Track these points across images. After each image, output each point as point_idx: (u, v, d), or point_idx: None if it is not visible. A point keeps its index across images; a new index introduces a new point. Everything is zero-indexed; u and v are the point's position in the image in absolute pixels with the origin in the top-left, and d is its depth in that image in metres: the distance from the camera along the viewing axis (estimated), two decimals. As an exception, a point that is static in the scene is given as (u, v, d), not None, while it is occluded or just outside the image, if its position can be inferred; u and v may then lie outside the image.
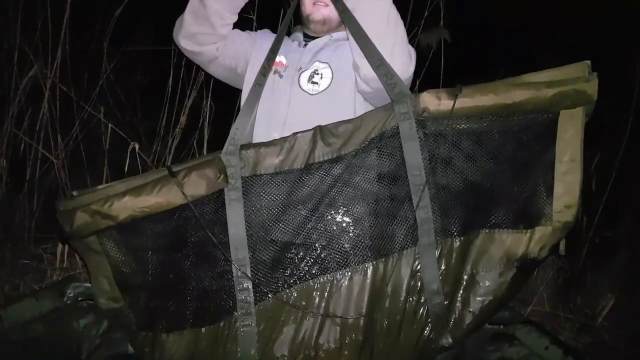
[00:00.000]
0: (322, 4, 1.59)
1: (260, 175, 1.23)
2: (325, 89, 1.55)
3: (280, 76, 1.61)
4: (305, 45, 1.64)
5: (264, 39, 1.69)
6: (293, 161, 1.23)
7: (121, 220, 1.15)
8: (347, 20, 1.34)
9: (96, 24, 2.47)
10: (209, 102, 2.33)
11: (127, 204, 1.14)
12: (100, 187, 1.23)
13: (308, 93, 1.56)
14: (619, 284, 2.44)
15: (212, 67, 1.70)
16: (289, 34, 1.78)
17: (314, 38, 1.66)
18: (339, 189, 1.23)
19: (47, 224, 2.34)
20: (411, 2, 2.32)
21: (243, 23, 2.20)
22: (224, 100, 2.20)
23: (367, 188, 1.23)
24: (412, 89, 2.35)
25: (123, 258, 1.22)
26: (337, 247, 1.24)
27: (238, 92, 2.28)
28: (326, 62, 1.58)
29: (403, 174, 1.21)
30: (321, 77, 1.56)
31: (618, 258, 2.60)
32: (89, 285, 1.39)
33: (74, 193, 1.22)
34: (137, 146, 2.00)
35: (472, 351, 1.36)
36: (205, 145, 2.34)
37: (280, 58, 1.62)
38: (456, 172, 1.23)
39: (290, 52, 1.64)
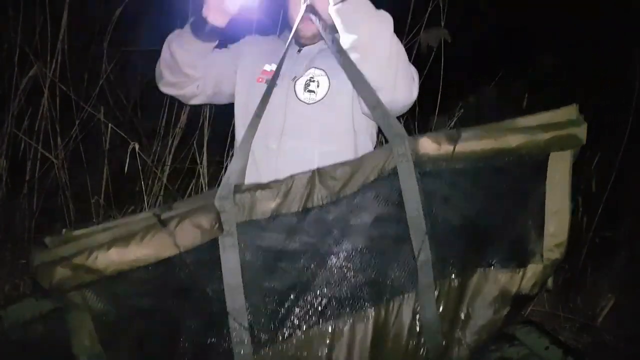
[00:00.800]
0: (309, 20, 1.49)
1: (256, 220, 1.17)
2: (323, 97, 1.51)
3: (275, 85, 1.55)
4: (299, 51, 1.58)
5: (251, 44, 1.65)
6: (290, 205, 1.18)
7: (107, 274, 1.07)
8: (343, 62, 1.31)
9: (96, 24, 2.47)
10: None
11: (114, 257, 1.07)
12: (78, 232, 1.12)
13: (305, 102, 1.51)
14: (619, 284, 2.44)
15: (193, 101, 1.69)
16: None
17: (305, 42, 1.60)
18: (338, 232, 1.20)
19: (47, 224, 2.35)
20: (411, 2, 2.33)
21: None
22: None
23: (367, 231, 1.20)
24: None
25: (107, 313, 1.13)
26: (338, 293, 1.20)
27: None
28: (322, 70, 1.53)
29: (402, 216, 1.19)
30: (317, 85, 1.52)
31: (618, 258, 2.60)
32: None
33: (47, 241, 1.11)
34: (137, 146, 1.99)
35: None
36: (205, 145, 2.34)
37: (272, 67, 1.57)
38: (453, 212, 1.23)
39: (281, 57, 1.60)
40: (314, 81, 1.52)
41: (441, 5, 2.29)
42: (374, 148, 1.64)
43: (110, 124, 2.23)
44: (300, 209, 1.18)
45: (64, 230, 1.13)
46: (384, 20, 1.34)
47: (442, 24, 2.33)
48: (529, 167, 1.23)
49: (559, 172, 1.24)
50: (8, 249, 2.24)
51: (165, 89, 1.63)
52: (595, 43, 3.23)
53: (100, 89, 2.37)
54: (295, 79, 1.53)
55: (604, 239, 2.65)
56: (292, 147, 1.52)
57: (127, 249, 1.07)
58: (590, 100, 3.07)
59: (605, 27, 3.16)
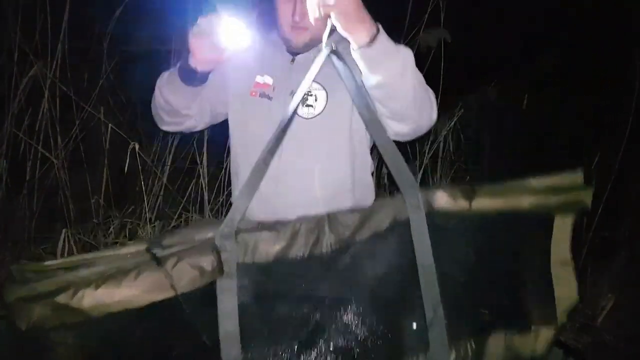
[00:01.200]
0: (300, 30, 1.42)
1: (259, 263, 1.09)
2: (321, 112, 1.47)
3: (269, 98, 1.50)
4: (293, 61, 1.50)
5: (237, 58, 1.53)
6: (296, 249, 1.11)
7: (93, 315, 0.95)
8: (358, 102, 1.24)
9: (96, 24, 2.47)
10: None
11: (102, 297, 0.95)
12: (54, 263, 1.01)
13: (303, 117, 1.46)
14: (619, 284, 2.44)
15: (194, 130, 1.68)
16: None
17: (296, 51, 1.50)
18: (344, 283, 1.13)
19: (47, 224, 2.35)
20: (410, 2, 2.33)
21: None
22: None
23: (376, 283, 1.13)
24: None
25: (90, 357, 1.02)
26: (342, 350, 1.11)
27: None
28: (319, 83, 1.47)
29: (414, 270, 1.14)
30: (315, 99, 1.47)
31: (618, 258, 2.60)
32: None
33: (13, 270, 0.99)
34: (137, 146, 1.99)
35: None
36: (205, 145, 2.34)
37: (264, 79, 1.51)
38: (464, 269, 1.21)
39: (275, 69, 1.51)
40: (311, 95, 1.47)
41: (441, 5, 2.30)
42: (371, 161, 1.63)
43: (110, 124, 2.23)
44: (306, 255, 1.11)
45: (21, 262, 1.02)
46: (406, 57, 1.30)
47: (442, 24, 2.34)
48: (537, 227, 1.24)
49: (562, 235, 1.25)
50: (8, 249, 2.24)
51: (166, 128, 1.63)
52: (596, 43, 3.23)
53: (100, 89, 2.37)
54: (292, 93, 1.43)
55: (604, 239, 2.65)
56: (291, 162, 1.48)
57: (119, 288, 0.97)
58: (590, 100, 3.08)
59: (605, 27, 3.16)
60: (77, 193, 2.36)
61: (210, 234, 1.10)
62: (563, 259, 1.24)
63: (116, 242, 2.32)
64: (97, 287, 0.95)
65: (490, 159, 3.05)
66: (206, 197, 2.37)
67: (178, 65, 1.48)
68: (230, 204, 2.46)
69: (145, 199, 2.23)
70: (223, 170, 2.40)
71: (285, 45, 1.48)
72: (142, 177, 2.15)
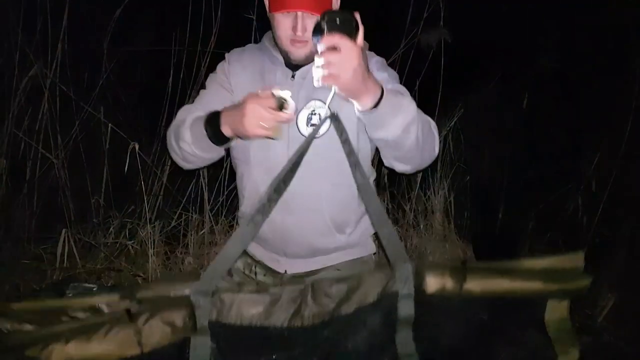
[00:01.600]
0: (300, 44, 1.37)
1: (233, 324, 1.03)
2: (327, 131, 1.42)
3: None
4: (293, 77, 1.46)
5: (238, 73, 1.50)
6: (275, 316, 1.05)
7: None
8: (357, 178, 1.14)
9: (96, 24, 2.47)
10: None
11: (72, 352, 0.91)
12: (23, 306, 0.99)
13: (306, 137, 1.44)
14: (619, 284, 2.44)
15: None
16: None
17: (294, 64, 1.44)
18: (324, 357, 1.07)
19: (47, 224, 2.35)
20: (411, 2, 2.33)
21: (243, 23, 2.21)
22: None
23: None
24: (411, 89, 2.37)
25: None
26: None
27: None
28: (323, 101, 1.43)
29: (396, 349, 1.09)
30: (319, 118, 1.44)
31: (618, 258, 2.60)
32: (88, 285, 1.38)
33: None
34: (137, 146, 1.99)
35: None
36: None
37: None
38: (450, 351, 1.15)
39: (276, 84, 1.45)
40: (315, 114, 1.44)
41: (441, 5, 2.30)
42: (373, 170, 1.65)
43: (110, 124, 2.23)
44: (285, 325, 1.05)
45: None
46: (409, 111, 1.29)
47: (442, 24, 2.34)
48: (529, 313, 1.18)
49: (555, 317, 1.18)
50: (8, 249, 2.24)
51: (188, 167, 1.59)
52: (596, 43, 3.23)
53: (100, 89, 2.37)
54: (297, 112, 1.42)
55: (604, 239, 2.65)
56: (299, 181, 1.44)
57: (89, 344, 0.94)
58: (590, 100, 3.08)
59: (605, 26, 3.16)
60: (77, 193, 2.36)
61: (186, 291, 1.05)
62: (561, 344, 1.17)
63: (116, 242, 2.32)
64: (68, 340, 0.92)
65: (490, 159, 3.05)
66: (206, 197, 2.37)
67: (206, 124, 1.39)
68: (231, 205, 2.47)
69: (145, 199, 2.23)
70: (223, 170, 2.40)
71: (284, 58, 1.44)
72: (142, 177, 2.15)
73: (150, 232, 2.21)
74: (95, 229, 2.36)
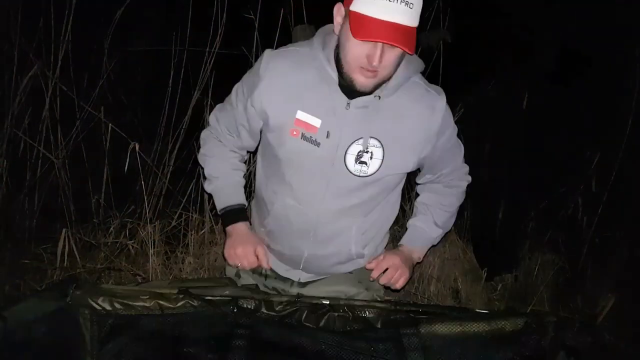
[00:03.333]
0: (371, 73, 1.21)
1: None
2: (375, 172, 1.34)
3: (317, 144, 1.31)
4: (348, 105, 1.29)
5: (273, 83, 1.32)
6: None
7: None
8: None
9: (97, 23, 2.47)
10: (209, 102, 2.34)
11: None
12: None
13: (354, 174, 1.33)
14: (619, 284, 2.44)
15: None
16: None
17: (354, 90, 1.26)
18: None
19: (47, 224, 2.34)
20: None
21: (243, 23, 2.21)
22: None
23: None
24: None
25: None
26: None
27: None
28: (378, 140, 1.32)
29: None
30: (371, 157, 1.32)
31: (618, 258, 2.60)
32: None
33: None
34: (137, 146, 1.99)
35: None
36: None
37: (311, 119, 1.30)
38: None
39: (327, 111, 1.30)
40: (367, 152, 1.32)
41: (441, 6, 2.30)
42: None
43: (110, 124, 2.23)
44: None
45: None
46: (439, 236, 1.61)
47: (442, 24, 2.34)
48: None
49: None
50: (8, 249, 2.23)
51: None
52: (596, 43, 3.23)
53: (101, 89, 2.36)
54: (347, 145, 1.31)
55: (604, 239, 2.65)
56: (332, 214, 1.41)
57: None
58: (590, 100, 3.08)
59: (606, 26, 3.16)
60: (77, 193, 2.35)
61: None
62: None
63: (116, 242, 2.32)
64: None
65: (490, 159, 3.05)
66: (206, 197, 2.37)
67: (217, 202, 1.57)
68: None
69: (145, 198, 2.23)
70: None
71: (346, 83, 1.26)
72: (142, 177, 2.15)
73: (150, 232, 2.21)
74: (96, 228, 2.36)
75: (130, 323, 1.19)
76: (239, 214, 1.53)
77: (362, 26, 1.14)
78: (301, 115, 1.31)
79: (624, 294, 2.35)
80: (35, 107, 2.27)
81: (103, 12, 2.41)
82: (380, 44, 1.15)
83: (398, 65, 1.24)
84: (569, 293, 2.47)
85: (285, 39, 2.14)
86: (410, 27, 1.14)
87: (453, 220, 1.63)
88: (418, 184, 1.64)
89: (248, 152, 1.59)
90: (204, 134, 1.60)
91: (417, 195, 1.65)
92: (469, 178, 1.61)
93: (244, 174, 1.59)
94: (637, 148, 2.58)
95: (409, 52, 1.17)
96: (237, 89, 1.45)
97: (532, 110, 2.86)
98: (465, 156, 1.62)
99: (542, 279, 2.47)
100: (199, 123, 2.36)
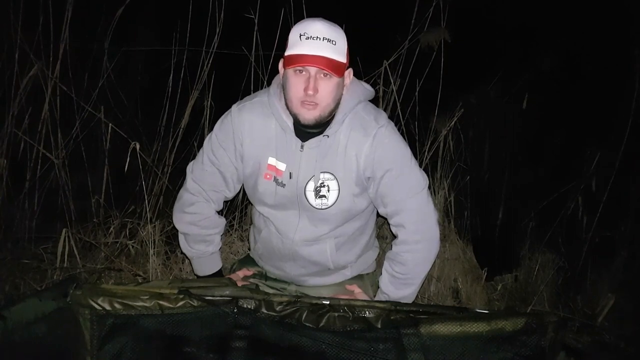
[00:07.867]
0: (310, 106, 1.37)
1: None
2: (334, 202, 1.50)
3: (282, 185, 1.51)
4: (302, 147, 1.47)
5: (255, 134, 1.52)
6: None
7: None
8: None
9: (97, 23, 2.47)
10: (209, 102, 2.34)
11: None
12: None
13: (317, 208, 1.51)
14: (619, 284, 2.44)
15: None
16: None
17: (305, 128, 1.44)
18: None
19: (47, 224, 2.34)
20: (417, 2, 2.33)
21: (243, 23, 2.21)
22: (225, 100, 2.20)
23: None
24: (413, 89, 2.37)
25: None
26: None
27: (239, 90, 2.29)
28: (331, 173, 1.48)
29: None
30: (328, 190, 1.49)
31: (618, 258, 2.60)
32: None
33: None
34: (137, 146, 2.00)
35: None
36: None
37: (277, 163, 1.50)
38: None
39: (287, 155, 1.49)
40: (324, 186, 1.50)
41: (441, 6, 2.30)
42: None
43: (110, 124, 2.23)
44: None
45: None
46: (421, 280, 1.59)
47: (443, 24, 2.33)
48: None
49: None
50: (8, 249, 2.23)
51: None
52: (596, 43, 3.23)
53: (101, 89, 2.36)
54: (305, 182, 1.50)
55: (604, 239, 2.65)
56: (305, 242, 1.58)
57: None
58: (590, 100, 3.08)
59: (605, 27, 3.16)
60: (77, 193, 2.35)
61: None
62: None
63: (116, 242, 2.32)
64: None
65: (490, 159, 3.05)
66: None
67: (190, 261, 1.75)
68: (231, 204, 2.47)
69: (145, 198, 2.23)
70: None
71: (294, 120, 1.43)
72: (142, 177, 2.15)
73: (150, 232, 2.21)
74: (96, 228, 2.35)
75: (130, 323, 1.22)
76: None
77: (294, 60, 1.34)
78: (272, 160, 1.51)
79: (624, 294, 2.35)
80: (35, 107, 2.27)
81: (103, 12, 2.41)
82: (313, 75, 1.33)
83: (338, 96, 1.39)
84: (569, 293, 2.47)
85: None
86: (335, 60, 1.32)
87: (423, 275, 1.61)
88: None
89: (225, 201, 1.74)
90: (178, 197, 1.77)
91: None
92: (432, 232, 1.55)
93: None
94: (637, 148, 2.58)
95: (335, 75, 1.33)
96: (211, 144, 1.60)
97: (532, 110, 2.86)
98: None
99: (542, 279, 2.46)
100: (199, 123, 2.37)
